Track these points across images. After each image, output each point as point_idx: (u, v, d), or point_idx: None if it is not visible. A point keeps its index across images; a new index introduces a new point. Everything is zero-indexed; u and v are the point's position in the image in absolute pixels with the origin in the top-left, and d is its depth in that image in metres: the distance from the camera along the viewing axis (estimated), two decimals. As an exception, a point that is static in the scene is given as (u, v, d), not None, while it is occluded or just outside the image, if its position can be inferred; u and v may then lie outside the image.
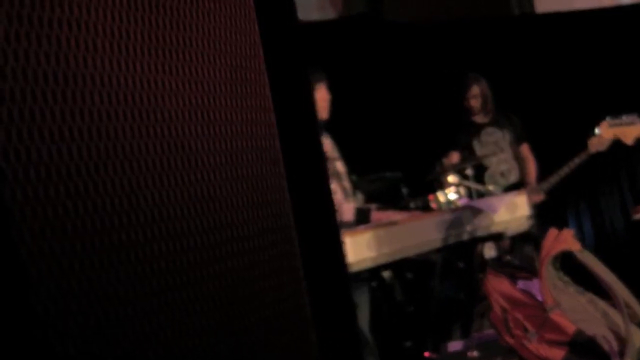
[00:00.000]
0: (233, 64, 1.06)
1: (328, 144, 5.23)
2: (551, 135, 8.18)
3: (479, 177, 7.32)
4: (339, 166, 5.28)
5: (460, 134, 7.69)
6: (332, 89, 5.21)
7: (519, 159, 7.67)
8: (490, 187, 7.15)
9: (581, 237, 8.73)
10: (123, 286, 0.97)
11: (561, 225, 6.88)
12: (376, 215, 4.85)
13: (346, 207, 4.87)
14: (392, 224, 4.71)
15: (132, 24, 0.95)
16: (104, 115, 0.91)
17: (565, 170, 7.37)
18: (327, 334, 1.09)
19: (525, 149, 7.71)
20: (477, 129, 7.69)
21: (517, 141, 7.71)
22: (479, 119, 7.73)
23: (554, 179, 7.48)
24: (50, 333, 0.87)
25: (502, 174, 7.57)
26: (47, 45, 0.85)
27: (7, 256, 0.84)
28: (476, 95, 7.64)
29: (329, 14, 8.35)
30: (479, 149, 7.61)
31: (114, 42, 0.92)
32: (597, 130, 7.08)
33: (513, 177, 7.58)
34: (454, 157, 7.52)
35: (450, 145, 7.62)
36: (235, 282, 1.04)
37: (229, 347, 1.06)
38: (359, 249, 4.42)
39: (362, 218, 4.84)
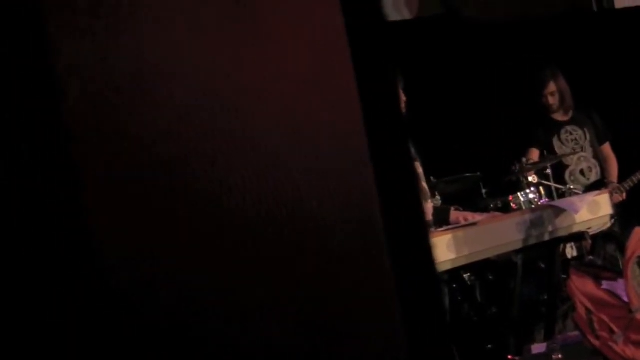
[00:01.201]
0: (318, 60, 1.04)
1: (405, 146, 5.21)
2: (633, 133, 8.03)
3: (559, 176, 7.23)
4: (416, 168, 5.25)
5: (540, 131, 7.59)
6: (408, 90, 5.19)
7: (599, 158, 7.55)
8: (571, 187, 7.05)
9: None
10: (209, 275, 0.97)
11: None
12: (455, 215, 4.81)
13: (424, 207, 4.84)
14: (472, 225, 4.67)
15: (213, 18, 0.94)
16: (183, 112, 0.91)
17: None
18: (417, 335, 1.07)
19: (606, 148, 7.60)
20: (557, 126, 7.59)
21: (598, 140, 7.59)
22: (559, 116, 7.62)
23: (636, 178, 7.36)
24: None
25: (583, 173, 7.46)
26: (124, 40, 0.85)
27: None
28: (553, 92, 7.53)
29: (405, 14, 8.31)
30: (559, 147, 7.51)
31: (195, 36, 0.92)
32: None
33: (594, 176, 7.46)
34: (534, 154, 7.42)
35: (529, 143, 7.53)
36: (321, 287, 1.03)
37: (310, 344, 1.05)
38: (439, 251, 4.39)
39: (441, 218, 4.81)
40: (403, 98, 5.11)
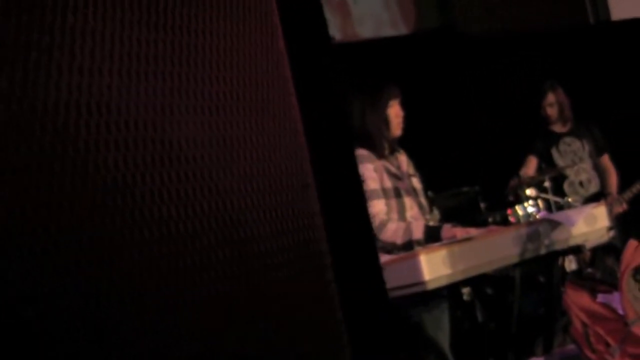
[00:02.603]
0: (256, 87, 1.04)
1: (403, 161, 5.20)
2: (632, 145, 8.02)
3: (558, 187, 7.23)
4: (415, 182, 5.24)
5: (539, 142, 7.62)
6: (406, 105, 5.19)
7: (598, 170, 7.56)
8: (570, 199, 7.04)
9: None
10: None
11: (645, 235, 6.75)
12: (448, 232, 4.79)
13: (415, 225, 4.83)
14: (468, 240, 4.66)
15: (145, 47, 0.94)
16: (120, 145, 0.90)
17: None
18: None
19: (605, 160, 7.60)
20: (556, 138, 7.61)
21: (597, 151, 7.60)
22: (557, 128, 7.65)
23: (635, 189, 7.35)
24: None
25: (582, 184, 7.45)
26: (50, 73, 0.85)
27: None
28: (552, 103, 7.58)
29: (402, 29, 8.32)
30: (557, 159, 7.52)
31: (127, 66, 0.91)
32: None
33: (593, 188, 7.46)
34: (532, 163, 7.44)
35: (529, 152, 7.55)
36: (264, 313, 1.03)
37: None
38: (435, 266, 4.38)
39: (432, 236, 4.79)
40: (401, 113, 5.11)
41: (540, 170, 7.34)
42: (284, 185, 1.04)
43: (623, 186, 7.49)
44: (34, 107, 0.83)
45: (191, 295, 0.95)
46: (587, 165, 7.51)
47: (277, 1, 1.06)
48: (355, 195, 1.08)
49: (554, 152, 7.58)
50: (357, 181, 1.08)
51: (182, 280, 0.95)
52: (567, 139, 7.61)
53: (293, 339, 1.03)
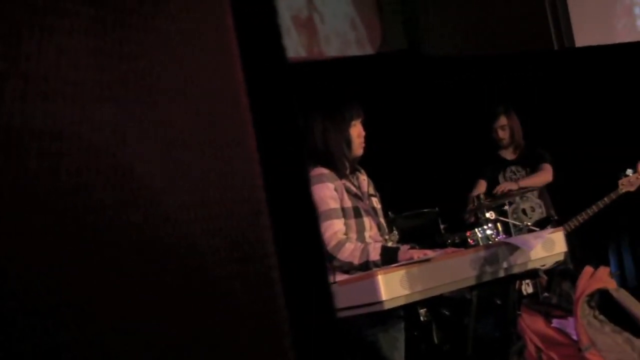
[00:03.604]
0: (211, 114, 1.05)
1: (364, 181, 5.22)
2: (585, 173, 8.12)
3: (503, 212, 7.27)
4: (375, 202, 5.25)
5: (488, 167, 7.71)
6: (368, 125, 5.21)
7: (544, 197, 7.64)
8: (528, 223, 7.10)
9: (622, 274, 8.64)
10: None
11: (602, 262, 6.82)
12: (404, 255, 4.80)
13: (373, 247, 4.84)
14: (426, 261, 4.68)
15: (91, 70, 0.94)
16: (71, 168, 0.91)
17: (593, 210, 7.36)
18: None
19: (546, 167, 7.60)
20: (504, 164, 7.73)
21: None
22: (507, 154, 7.76)
23: (581, 217, 7.43)
24: None
25: (525, 212, 7.52)
26: None
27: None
28: (504, 126, 7.68)
29: (368, 49, 8.36)
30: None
31: (70, 89, 0.91)
32: (628, 171, 7.10)
33: (536, 216, 7.54)
34: (482, 186, 7.53)
35: (478, 175, 7.64)
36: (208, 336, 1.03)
37: None
38: (393, 286, 4.39)
39: (388, 258, 4.81)
40: (363, 133, 5.12)
41: (489, 193, 7.41)
42: (237, 212, 1.05)
43: (571, 215, 7.56)
44: None
45: (136, 321, 0.95)
46: (532, 194, 7.58)
47: (235, 27, 1.06)
48: (307, 222, 1.09)
49: (500, 178, 7.68)
50: (310, 206, 1.09)
51: (127, 312, 0.95)
52: (514, 167, 7.72)
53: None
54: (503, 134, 7.70)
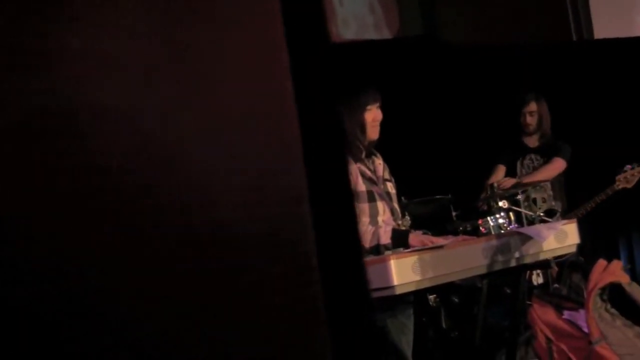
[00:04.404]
0: (257, 97, 1.05)
1: (379, 165, 5.21)
2: (587, 167, 8.09)
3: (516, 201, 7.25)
4: (390, 187, 5.25)
5: (508, 151, 7.69)
6: (384, 109, 5.19)
7: (555, 188, 7.61)
8: (541, 214, 7.09)
9: (632, 268, 8.62)
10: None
11: (612, 255, 6.82)
12: (415, 239, 4.81)
13: (383, 231, 4.84)
14: (439, 247, 4.67)
15: (150, 55, 0.94)
16: (122, 151, 0.91)
17: (591, 205, 7.35)
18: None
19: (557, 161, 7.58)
20: (524, 151, 7.69)
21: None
22: (530, 142, 7.71)
23: (580, 212, 7.41)
24: None
25: (535, 202, 7.50)
26: (46, 78, 0.85)
27: None
28: (532, 112, 7.64)
29: (385, 33, 8.34)
30: (519, 172, 7.59)
31: (130, 75, 0.92)
32: (626, 167, 7.08)
33: (546, 206, 7.51)
34: (500, 171, 7.51)
35: (497, 160, 7.62)
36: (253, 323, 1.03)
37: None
38: (405, 272, 4.39)
39: (399, 241, 4.81)
40: (379, 117, 5.11)
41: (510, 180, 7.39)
42: (279, 197, 1.05)
43: (570, 209, 7.54)
44: (47, 108, 0.83)
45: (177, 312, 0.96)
46: (546, 184, 7.56)
47: (282, 9, 1.06)
48: (346, 209, 1.09)
49: (518, 164, 7.65)
50: (348, 194, 1.09)
51: (171, 301, 0.95)
52: (533, 156, 7.69)
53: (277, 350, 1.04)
54: (531, 120, 7.67)
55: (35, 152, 0.84)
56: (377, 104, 5.13)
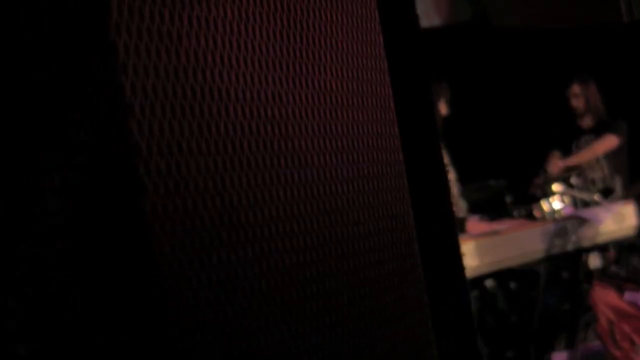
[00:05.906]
0: (359, 77, 1.08)
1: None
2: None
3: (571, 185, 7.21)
4: (449, 174, 5.27)
5: (562, 135, 7.65)
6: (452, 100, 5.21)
7: (616, 168, 7.54)
8: (596, 197, 7.05)
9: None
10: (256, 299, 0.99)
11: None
12: (473, 226, 4.83)
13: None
14: (495, 233, 4.69)
15: (264, 38, 0.98)
16: (237, 128, 0.94)
17: None
18: (447, 346, 1.10)
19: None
20: (579, 134, 7.63)
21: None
22: (584, 123, 7.66)
23: (638, 188, 7.34)
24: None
25: (593, 182, 7.44)
26: (176, 60, 0.89)
27: (145, 268, 0.87)
28: (577, 94, 7.57)
29: (434, 21, 8.32)
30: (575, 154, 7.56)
31: (247, 56, 0.96)
32: None
33: (603, 185, 7.44)
34: (556, 156, 7.46)
35: (553, 146, 7.58)
36: (361, 293, 1.07)
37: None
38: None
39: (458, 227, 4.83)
40: (446, 111, 5.13)
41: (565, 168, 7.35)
42: (382, 173, 1.09)
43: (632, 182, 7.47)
44: (193, 90, 0.88)
45: (289, 294, 0.99)
46: (601, 164, 7.49)
47: (377, 3, 1.10)
48: (441, 184, 1.12)
49: (573, 147, 7.60)
50: (443, 170, 1.13)
51: (280, 279, 0.98)
52: (587, 137, 7.62)
53: (387, 330, 1.07)
54: (577, 102, 7.61)
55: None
56: (445, 99, 5.16)
